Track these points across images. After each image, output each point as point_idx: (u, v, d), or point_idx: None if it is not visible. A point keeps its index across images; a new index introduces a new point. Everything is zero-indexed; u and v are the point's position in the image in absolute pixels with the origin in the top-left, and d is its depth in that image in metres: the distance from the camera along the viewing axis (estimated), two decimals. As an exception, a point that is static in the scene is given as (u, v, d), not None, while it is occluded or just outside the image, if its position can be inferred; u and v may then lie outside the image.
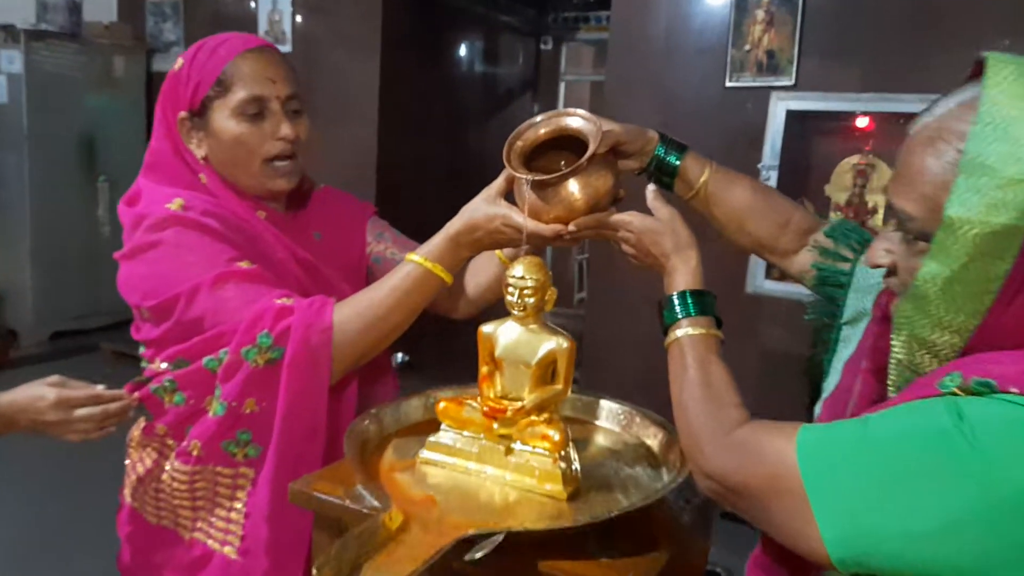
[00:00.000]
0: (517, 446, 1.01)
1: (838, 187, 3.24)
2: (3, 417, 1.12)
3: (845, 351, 0.98)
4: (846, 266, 1.03)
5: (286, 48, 4.88)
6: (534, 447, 1.00)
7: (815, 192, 3.25)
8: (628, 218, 1.00)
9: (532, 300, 1.02)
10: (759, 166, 3.35)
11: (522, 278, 1.01)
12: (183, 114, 1.21)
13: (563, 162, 1.11)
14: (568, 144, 1.07)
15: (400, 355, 5.40)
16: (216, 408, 1.11)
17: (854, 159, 3.24)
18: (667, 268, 0.99)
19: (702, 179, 1.10)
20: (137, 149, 4.63)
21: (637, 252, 1.01)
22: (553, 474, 0.97)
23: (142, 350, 1.24)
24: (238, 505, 1.17)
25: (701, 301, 0.95)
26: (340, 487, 0.96)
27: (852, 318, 1.00)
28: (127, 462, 1.28)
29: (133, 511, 1.26)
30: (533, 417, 1.00)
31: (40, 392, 1.12)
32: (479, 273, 1.35)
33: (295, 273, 1.23)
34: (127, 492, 1.27)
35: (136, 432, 1.26)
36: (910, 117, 0.79)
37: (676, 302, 0.95)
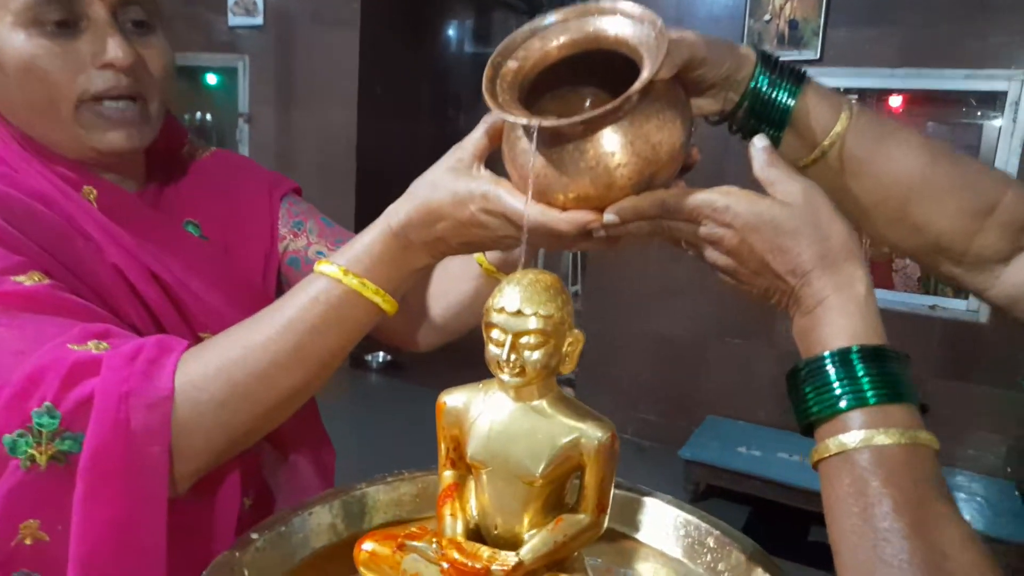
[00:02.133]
0: (509, 640, 0.53)
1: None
2: None
3: None
4: None
5: (256, 21, 4.42)
6: (542, 645, 0.52)
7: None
8: (723, 199, 0.52)
9: (537, 356, 0.53)
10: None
11: (517, 313, 0.53)
12: None
13: (589, 103, 0.63)
14: (599, 70, 0.59)
15: (381, 354, 4.92)
16: None
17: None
18: (803, 299, 0.51)
19: (835, 131, 0.62)
20: None
21: (738, 265, 0.53)
22: None
23: None
24: None
25: (888, 370, 0.47)
26: None
27: None
28: None
29: None
30: (540, 586, 0.52)
31: None
32: (448, 285, 0.86)
33: (140, 293, 0.74)
34: None
35: None
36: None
37: (834, 373, 0.48)
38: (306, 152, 4.35)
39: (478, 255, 0.81)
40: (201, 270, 0.80)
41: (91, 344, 0.62)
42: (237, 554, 0.61)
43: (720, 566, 0.68)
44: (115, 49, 0.71)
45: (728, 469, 2.94)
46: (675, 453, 3.07)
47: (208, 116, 4.88)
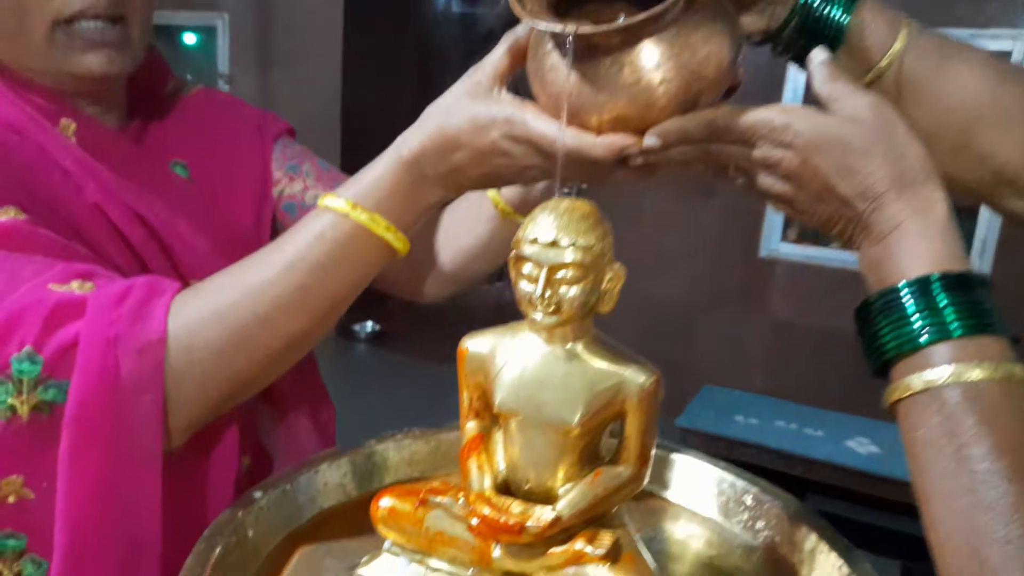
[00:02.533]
0: (544, 602, 0.48)
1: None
2: None
3: None
4: None
5: (236, -26, 4.28)
6: (582, 608, 0.47)
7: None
8: (782, 117, 0.46)
9: (574, 292, 0.48)
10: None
11: (553, 244, 0.47)
12: None
13: (623, 16, 0.57)
14: None
15: (370, 323, 4.83)
16: None
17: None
18: (875, 225, 0.45)
19: (894, 49, 0.57)
20: None
21: (796, 190, 0.48)
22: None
23: None
24: None
25: (974, 299, 0.42)
26: None
27: None
28: None
29: None
30: (579, 544, 0.47)
31: None
32: (459, 228, 0.80)
33: (121, 234, 0.67)
34: None
35: None
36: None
37: (913, 305, 0.43)
38: (288, 115, 4.20)
39: (492, 194, 0.75)
40: (188, 213, 0.74)
41: (74, 284, 0.56)
42: (240, 513, 0.56)
43: (759, 524, 0.64)
44: None
45: (725, 437, 2.92)
46: (670, 423, 3.04)
47: (187, 76, 4.74)
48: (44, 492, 0.56)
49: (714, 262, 3.62)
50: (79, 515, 0.55)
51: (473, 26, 5.03)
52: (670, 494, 0.69)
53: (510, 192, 0.74)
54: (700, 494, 0.68)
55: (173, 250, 0.71)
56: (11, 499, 0.57)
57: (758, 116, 0.48)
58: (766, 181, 0.49)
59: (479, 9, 5.04)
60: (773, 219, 3.43)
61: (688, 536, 0.65)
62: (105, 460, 0.55)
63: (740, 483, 0.66)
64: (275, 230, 0.83)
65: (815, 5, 0.57)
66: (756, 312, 3.42)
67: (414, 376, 4.03)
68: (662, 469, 0.70)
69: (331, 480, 0.63)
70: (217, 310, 0.57)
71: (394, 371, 4.22)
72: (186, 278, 0.70)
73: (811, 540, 0.58)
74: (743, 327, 3.45)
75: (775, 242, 3.52)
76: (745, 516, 0.65)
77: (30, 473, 0.56)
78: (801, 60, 0.57)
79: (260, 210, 0.82)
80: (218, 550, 0.51)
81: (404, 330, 4.48)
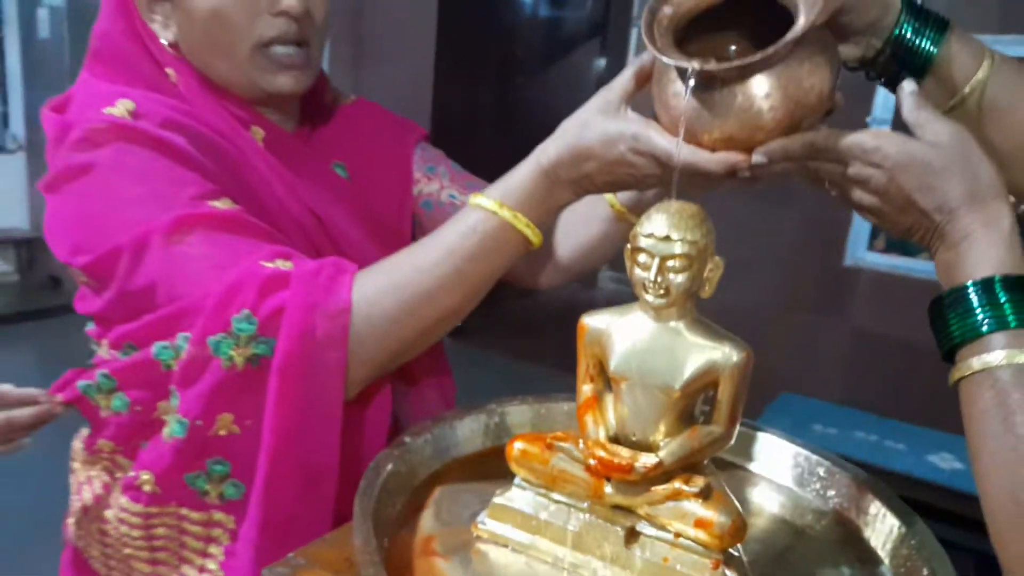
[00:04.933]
0: (647, 529, 0.59)
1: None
2: None
3: None
4: None
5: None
6: (677, 536, 0.57)
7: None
8: (873, 140, 0.56)
9: (681, 279, 0.58)
10: (867, 120, 2.86)
11: (665, 238, 0.58)
12: None
13: (734, 48, 0.67)
14: (743, 13, 0.63)
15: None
16: (173, 427, 0.72)
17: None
18: (949, 235, 0.55)
19: (977, 78, 0.65)
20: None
21: (883, 204, 0.57)
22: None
23: (89, 326, 0.86)
24: (211, 565, 0.78)
25: None
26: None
27: None
28: (71, 481, 0.91)
29: (77, 553, 0.88)
30: (677, 484, 0.58)
31: None
32: (577, 226, 0.91)
33: (300, 224, 0.82)
34: (71, 525, 0.89)
35: (78, 444, 0.89)
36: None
37: (976, 300, 0.52)
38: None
39: (610, 197, 0.86)
40: (345, 207, 0.88)
41: (279, 262, 0.70)
42: (396, 451, 0.69)
43: (830, 492, 0.73)
44: None
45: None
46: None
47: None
48: (247, 428, 0.71)
49: (795, 269, 3.61)
50: (278, 448, 0.69)
51: (558, 31, 5.08)
52: (753, 466, 0.79)
53: (625, 195, 0.85)
54: (778, 466, 0.78)
55: (335, 238, 0.85)
56: (222, 432, 0.71)
57: (852, 139, 0.57)
58: (857, 194, 0.59)
59: (565, 12, 5.12)
60: (859, 228, 3.40)
61: (766, 500, 0.74)
62: (300, 405, 0.69)
63: (814, 457, 0.76)
64: (414, 224, 0.97)
65: (907, 37, 0.65)
66: (838, 320, 3.40)
67: (485, 368, 4.14)
68: (746, 444, 0.80)
69: (468, 430, 0.75)
70: (391, 284, 0.70)
71: (466, 362, 4.34)
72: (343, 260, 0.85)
73: (875, 506, 0.67)
74: (824, 335, 3.43)
75: (861, 251, 3.50)
76: (817, 485, 0.74)
77: (238, 412, 0.71)
78: (893, 85, 0.66)
79: (403, 205, 0.95)
80: (383, 475, 0.64)
81: (477, 326, 4.63)
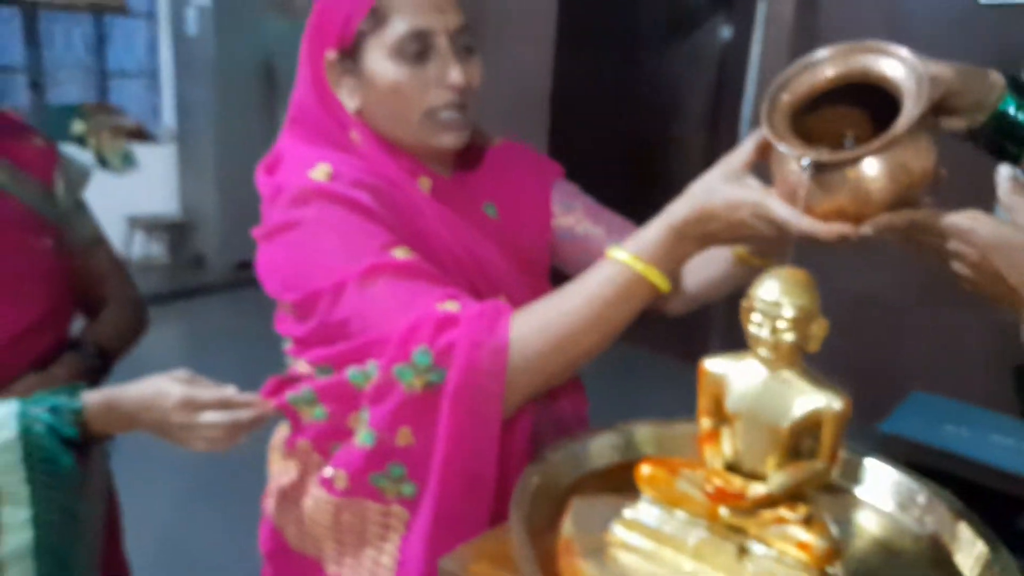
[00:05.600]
0: (756, 548, 0.70)
1: None
2: (125, 413, 0.97)
3: None
4: None
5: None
6: (782, 554, 0.68)
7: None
8: (968, 222, 0.64)
9: (790, 337, 0.69)
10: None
11: (776, 304, 0.68)
12: (331, 54, 0.97)
13: (848, 135, 0.75)
14: (851, 90, 0.72)
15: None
16: (364, 437, 0.90)
17: None
18: None
19: None
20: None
21: (978, 275, 0.65)
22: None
23: (286, 345, 1.05)
24: (389, 547, 0.96)
25: None
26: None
27: None
28: (271, 468, 1.11)
29: (275, 529, 1.09)
30: (782, 511, 0.69)
31: (165, 388, 0.96)
32: (703, 266, 1.03)
33: (459, 260, 0.97)
34: (271, 504, 1.10)
35: (278, 440, 1.09)
36: None
37: None
38: (499, 95, 4.12)
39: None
40: (496, 244, 1.03)
41: (448, 304, 0.86)
42: (541, 464, 0.83)
43: (928, 519, 0.81)
44: (456, 75, 0.94)
45: (933, 447, 2.87)
46: (867, 427, 3.02)
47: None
48: (421, 441, 0.87)
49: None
50: (448, 457, 0.85)
51: (680, 4, 4.91)
52: (857, 490, 0.88)
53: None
54: (881, 492, 0.86)
55: (487, 272, 0.99)
56: (401, 442, 0.88)
57: (950, 220, 0.66)
58: (955, 265, 0.67)
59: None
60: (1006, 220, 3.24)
61: (867, 523, 0.83)
62: (466, 423, 0.85)
63: (915, 485, 0.84)
64: (552, 254, 1.11)
65: (1011, 113, 0.72)
66: (976, 314, 3.24)
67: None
68: (853, 470, 0.89)
69: (600, 447, 0.89)
70: (542, 326, 0.85)
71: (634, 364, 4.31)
72: (496, 292, 0.99)
73: (967, 533, 0.75)
74: (961, 329, 3.26)
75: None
76: (916, 512, 0.83)
77: (415, 427, 0.87)
78: (997, 153, 0.73)
79: (542, 238, 1.09)
80: (531, 487, 0.78)
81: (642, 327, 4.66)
